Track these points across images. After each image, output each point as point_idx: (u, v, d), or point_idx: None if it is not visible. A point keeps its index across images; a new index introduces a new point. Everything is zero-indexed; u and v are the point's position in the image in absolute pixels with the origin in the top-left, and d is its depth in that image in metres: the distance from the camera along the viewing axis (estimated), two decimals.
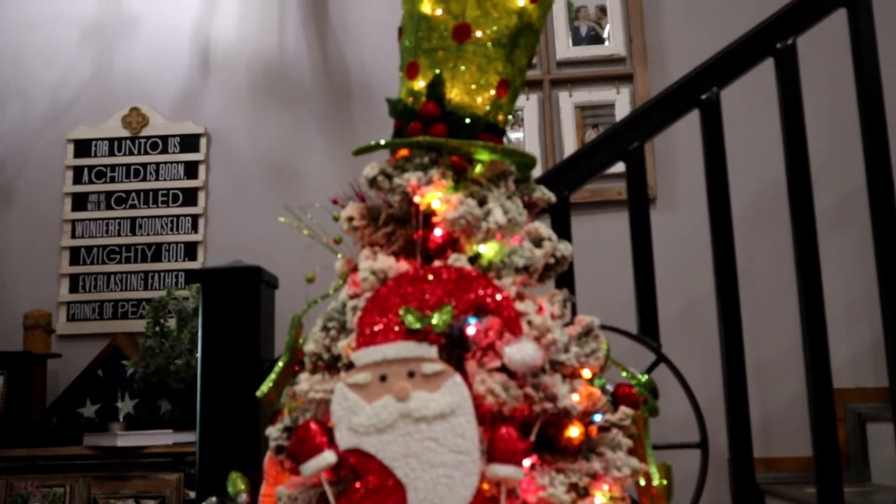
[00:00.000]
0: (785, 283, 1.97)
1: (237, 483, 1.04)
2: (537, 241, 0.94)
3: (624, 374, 1.11)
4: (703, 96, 1.59)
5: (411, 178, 0.93)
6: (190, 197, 2.97)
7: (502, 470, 0.77)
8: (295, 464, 0.82)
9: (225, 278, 1.64)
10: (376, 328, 0.85)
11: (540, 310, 0.90)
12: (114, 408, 2.63)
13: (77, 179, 2.99)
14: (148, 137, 3.00)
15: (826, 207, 2.40)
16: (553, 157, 2.84)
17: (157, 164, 2.99)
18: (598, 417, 0.89)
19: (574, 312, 0.97)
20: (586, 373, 0.90)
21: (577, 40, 2.93)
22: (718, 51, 1.61)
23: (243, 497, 1.03)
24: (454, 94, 0.98)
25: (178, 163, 2.98)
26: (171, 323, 2.59)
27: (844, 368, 2.46)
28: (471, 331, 0.82)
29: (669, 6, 2.92)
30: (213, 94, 3.04)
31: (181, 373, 2.48)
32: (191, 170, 2.98)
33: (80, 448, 2.42)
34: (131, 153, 3.00)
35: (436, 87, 0.98)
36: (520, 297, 0.89)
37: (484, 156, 0.98)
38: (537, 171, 1.22)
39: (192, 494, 2.31)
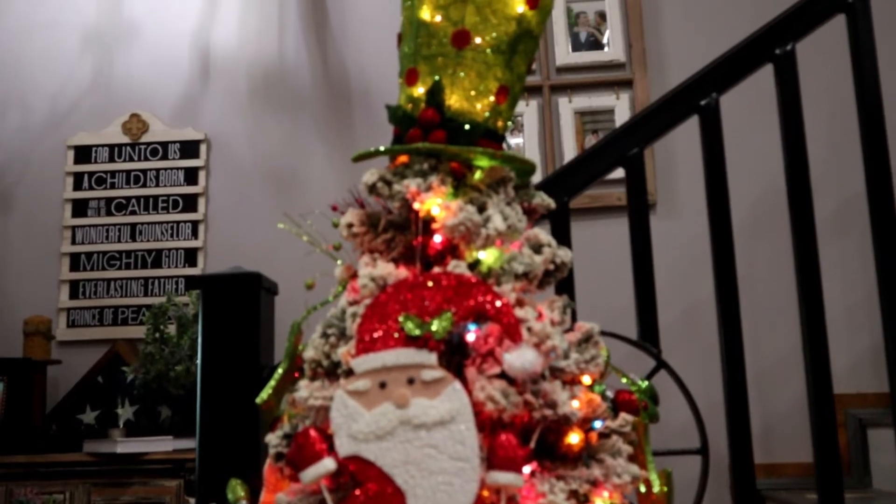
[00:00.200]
0: (785, 288, 1.97)
1: (237, 490, 1.03)
2: (537, 248, 0.94)
3: (624, 380, 1.11)
4: (703, 102, 1.59)
5: (411, 184, 0.93)
6: (190, 203, 2.97)
7: (502, 477, 0.77)
8: (294, 471, 0.82)
9: (225, 284, 1.64)
10: (376, 335, 0.85)
11: (540, 316, 0.90)
12: (114, 414, 2.62)
13: (77, 186, 2.99)
14: (148, 144, 3.00)
15: (826, 213, 2.40)
16: (553, 163, 2.84)
17: (158, 170, 2.99)
18: (598, 424, 0.89)
19: (574, 319, 0.97)
20: (586, 379, 0.90)
21: (577, 46, 2.94)
22: (718, 56, 1.61)
23: None
24: (453, 100, 0.98)
25: (178, 169, 2.99)
26: (171, 329, 2.59)
27: (845, 374, 2.46)
28: (470, 337, 0.82)
29: (669, 12, 2.92)
30: (213, 100, 3.04)
31: (181, 379, 2.48)
32: (191, 176, 2.98)
33: (79, 454, 2.42)
34: (131, 159, 3.00)
35: (435, 93, 0.98)
36: (519, 303, 0.89)
37: (483, 162, 0.98)
38: (537, 177, 1.22)
39: (192, 501, 2.30)
